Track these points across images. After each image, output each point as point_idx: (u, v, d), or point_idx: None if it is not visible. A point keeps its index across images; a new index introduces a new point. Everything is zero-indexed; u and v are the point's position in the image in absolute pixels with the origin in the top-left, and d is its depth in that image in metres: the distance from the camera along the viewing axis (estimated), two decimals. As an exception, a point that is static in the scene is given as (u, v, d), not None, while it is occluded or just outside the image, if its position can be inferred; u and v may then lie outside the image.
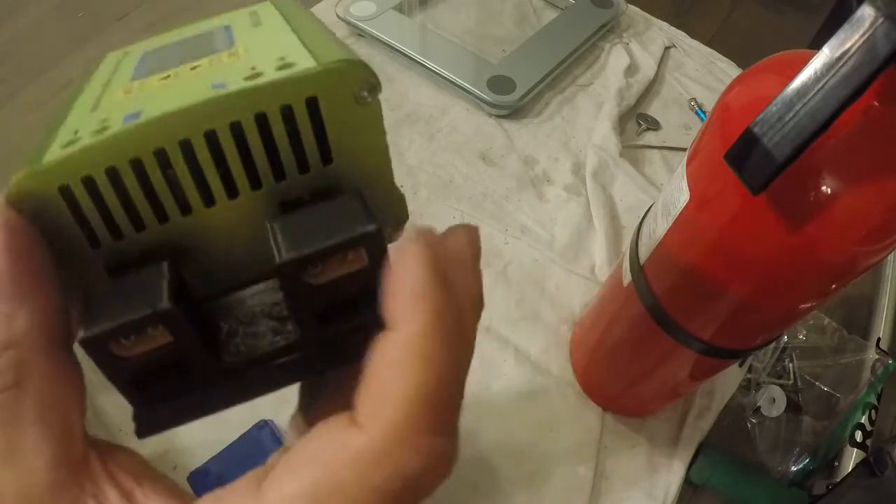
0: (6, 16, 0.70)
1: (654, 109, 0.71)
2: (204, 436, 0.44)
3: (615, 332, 0.43)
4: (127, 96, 0.17)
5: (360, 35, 0.70)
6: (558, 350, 0.51)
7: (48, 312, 0.15)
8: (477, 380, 0.48)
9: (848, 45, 0.22)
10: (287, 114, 0.16)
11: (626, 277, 0.39)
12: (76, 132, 0.16)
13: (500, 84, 0.65)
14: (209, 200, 0.16)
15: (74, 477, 0.14)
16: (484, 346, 0.50)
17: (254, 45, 0.18)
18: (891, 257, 0.60)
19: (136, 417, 0.16)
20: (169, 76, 0.18)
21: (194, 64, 0.18)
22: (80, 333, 0.14)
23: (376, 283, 0.16)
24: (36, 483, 0.14)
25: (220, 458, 0.41)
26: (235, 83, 0.15)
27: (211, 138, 0.15)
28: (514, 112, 0.66)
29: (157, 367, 0.16)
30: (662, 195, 0.35)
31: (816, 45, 0.23)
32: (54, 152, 0.15)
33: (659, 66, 0.74)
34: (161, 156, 0.15)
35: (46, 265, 0.15)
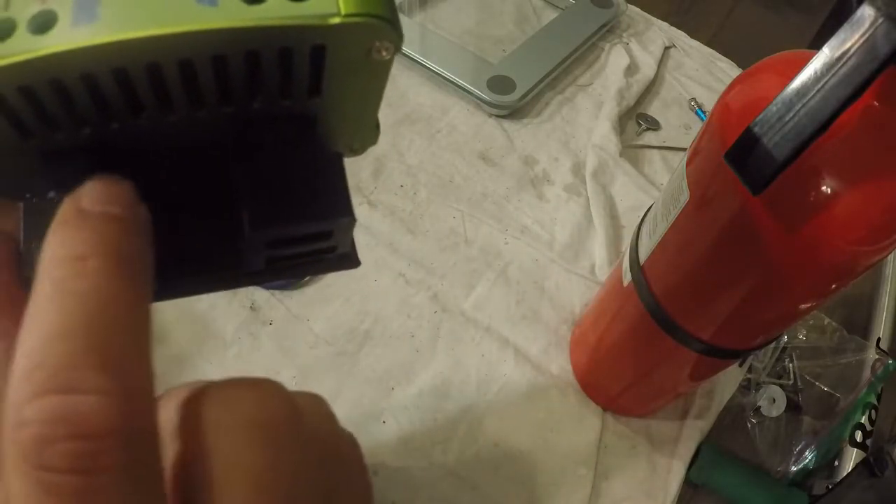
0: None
1: (654, 109, 0.71)
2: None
3: (615, 332, 0.43)
4: None
5: (360, 35, 0.70)
6: (558, 350, 0.51)
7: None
8: (477, 380, 0.48)
9: (848, 45, 0.22)
10: (285, 54, 0.14)
11: (626, 277, 0.39)
12: (12, 26, 0.12)
13: (500, 84, 0.65)
14: (168, 110, 0.14)
15: None
16: (484, 346, 0.50)
17: None
18: (891, 257, 0.60)
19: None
20: None
21: None
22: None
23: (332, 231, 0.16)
24: None
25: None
26: (230, 7, 0.12)
27: (185, 65, 0.13)
28: (514, 112, 0.66)
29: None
30: (662, 195, 0.35)
31: (816, 45, 0.23)
32: None
33: (659, 66, 0.74)
34: (121, 73, 0.13)
35: None
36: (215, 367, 0.46)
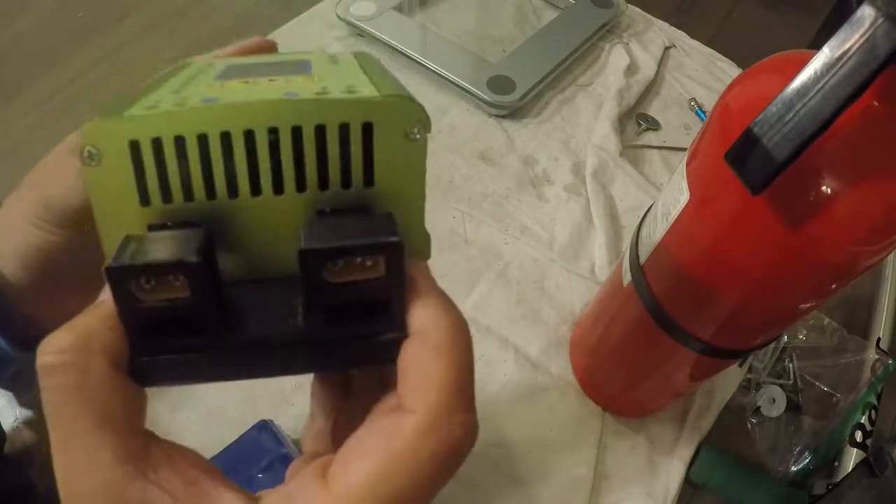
0: (6, 16, 0.70)
1: (654, 109, 0.71)
2: (204, 435, 0.44)
3: (615, 332, 0.43)
4: (209, 88, 0.19)
5: (360, 35, 0.70)
6: (558, 350, 0.51)
7: (113, 328, 0.16)
8: (477, 380, 0.48)
9: (848, 45, 0.22)
10: (343, 131, 0.17)
11: (626, 277, 0.39)
12: (158, 102, 0.17)
13: (500, 84, 0.65)
14: (256, 190, 0.18)
15: (140, 470, 0.16)
16: (484, 346, 0.50)
17: (328, 75, 0.20)
18: (891, 257, 0.60)
19: (135, 366, 0.17)
20: (249, 82, 0.20)
21: (273, 77, 0.20)
22: (106, 262, 0.15)
23: (390, 296, 0.17)
24: (104, 479, 0.16)
25: (220, 457, 0.41)
26: (306, 94, 0.17)
27: (273, 135, 0.17)
28: (514, 112, 0.66)
29: (169, 319, 0.16)
30: (662, 195, 0.35)
31: (816, 45, 0.23)
32: (136, 111, 0.17)
33: (659, 66, 0.74)
34: (225, 138, 0.17)
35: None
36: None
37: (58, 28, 0.71)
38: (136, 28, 0.71)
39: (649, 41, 0.77)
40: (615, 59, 0.73)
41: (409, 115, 0.18)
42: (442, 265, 0.54)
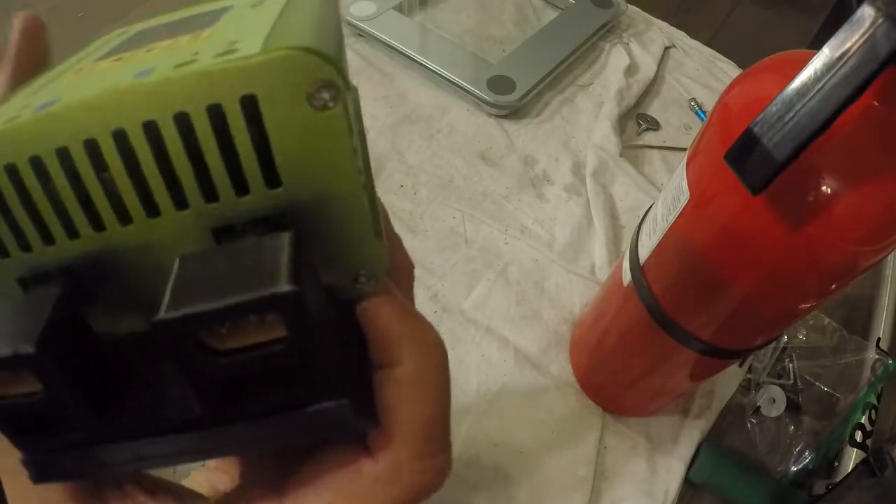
0: (6, 16, 0.70)
1: (654, 109, 0.71)
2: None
3: (615, 332, 0.43)
4: (75, 77, 0.14)
5: (360, 35, 0.70)
6: (558, 350, 0.51)
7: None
8: (477, 380, 0.48)
9: (848, 45, 0.22)
10: (216, 115, 0.12)
11: (626, 277, 0.39)
12: (13, 115, 0.13)
13: (500, 84, 0.65)
14: (124, 218, 0.13)
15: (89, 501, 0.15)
16: (484, 346, 0.50)
17: (228, 26, 0.15)
18: (891, 257, 0.60)
19: (29, 462, 0.14)
20: (121, 59, 0.15)
21: (152, 46, 0.15)
22: None
23: (304, 360, 0.13)
24: None
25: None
26: (161, 71, 0.12)
27: (121, 140, 0.13)
28: (514, 112, 0.66)
29: (31, 414, 0.13)
30: (662, 195, 0.35)
31: (816, 45, 0.23)
32: None
33: (659, 66, 0.74)
34: (63, 155, 0.13)
35: None
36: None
37: (58, 28, 0.70)
38: (136, 28, 0.71)
39: (649, 41, 0.77)
40: (615, 59, 0.73)
41: (307, 74, 0.12)
42: (442, 265, 0.54)
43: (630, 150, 0.66)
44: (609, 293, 0.44)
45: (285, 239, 0.12)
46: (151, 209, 0.13)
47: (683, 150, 0.67)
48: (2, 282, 0.14)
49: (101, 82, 0.13)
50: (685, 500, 0.47)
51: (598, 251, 0.57)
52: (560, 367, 0.50)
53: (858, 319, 0.58)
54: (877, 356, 0.53)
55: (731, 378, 0.51)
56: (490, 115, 0.66)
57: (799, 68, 0.23)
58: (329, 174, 0.13)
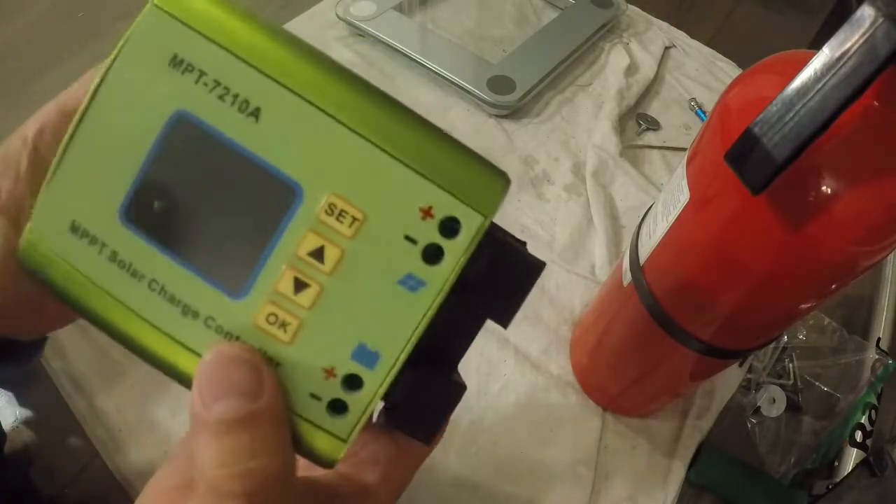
0: (6, 16, 0.70)
1: (654, 109, 0.71)
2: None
3: (615, 332, 0.43)
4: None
5: (360, 35, 0.70)
6: (558, 350, 0.51)
7: None
8: (477, 380, 0.48)
9: (848, 45, 0.22)
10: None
11: (626, 277, 0.39)
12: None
13: (500, 84, 0.65)
14: None
15: None
16: (484, 346, 0.50)
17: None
18: (891, 257, 0.60)
19: None
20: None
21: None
22: None
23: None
24: None
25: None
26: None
27: None
28: (514, 112, 0.66)
29: None
30: (662, 195, 0.35)
31: (816, 45, 0.23)
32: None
33: (659, 66, 0.74)
34: None
35: None
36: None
37: (58, 28, 0.71)
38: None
39: (649, 41, 0.77)
40: (615, 59, 0.73)
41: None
42: (442, 265, 0.54)
43: (630, 150, 0.66)
44: (609, 293, 0.44)
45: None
46: None
47: (683, 150, 0.67)
48: None
49: None
50: (685, 501, 0.47)
51: (598, 251, 0.57)
52: (560, 367, 0.50)
53: (858, 319, 0.58)
54: (877, 356, 0.53)
55: (731, 378, 0.51)
56: (490, 115, 0.66)
57: (799, 68, 0.23)
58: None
